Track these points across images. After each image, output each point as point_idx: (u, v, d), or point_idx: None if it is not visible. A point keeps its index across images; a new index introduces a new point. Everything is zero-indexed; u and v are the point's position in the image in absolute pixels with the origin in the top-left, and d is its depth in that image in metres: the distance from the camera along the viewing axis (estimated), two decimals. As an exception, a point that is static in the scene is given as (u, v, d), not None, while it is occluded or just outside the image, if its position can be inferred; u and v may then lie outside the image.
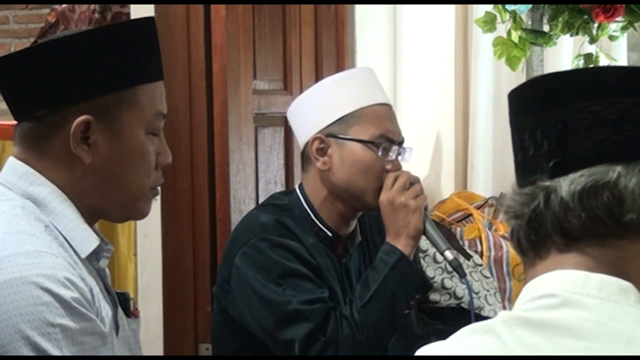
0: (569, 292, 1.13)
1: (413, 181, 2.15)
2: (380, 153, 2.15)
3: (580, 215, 1.13)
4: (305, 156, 2.22)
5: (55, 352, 1.30)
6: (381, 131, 2.16)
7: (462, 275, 2.10)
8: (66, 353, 1.30)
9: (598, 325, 1.10)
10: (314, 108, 2.21)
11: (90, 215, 1.50)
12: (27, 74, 1.46)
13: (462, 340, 1.18)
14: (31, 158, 1.47)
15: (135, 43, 1.49)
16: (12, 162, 1.49)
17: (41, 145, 1.46)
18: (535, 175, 1.17)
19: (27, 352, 1.29)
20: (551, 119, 1.16)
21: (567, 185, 1.14)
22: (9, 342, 1.29)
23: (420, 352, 1.21)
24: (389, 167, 2.16)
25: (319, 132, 2.18)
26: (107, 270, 1.57)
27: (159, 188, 1.57)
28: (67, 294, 1.33)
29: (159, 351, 3.31)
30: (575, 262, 1.15)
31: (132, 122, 1.48)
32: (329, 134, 2.17)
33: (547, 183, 1.15)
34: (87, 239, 1.46)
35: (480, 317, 3.31)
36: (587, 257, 1.15)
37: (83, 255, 1.44)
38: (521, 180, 1.20)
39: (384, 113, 2.20)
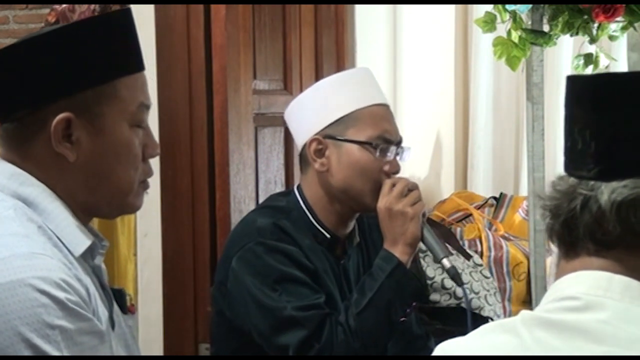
0: (591, 295, 1.12)
1: (411, 188, 2.12)
2: (377, 154, 2.14)
3: (616, 226, 1.11)
4: (303, 158, 2.22)
5: (56, 354, 1.29)
6: (378, 132, 2.15)
7: (459, 284, 2.09)
8: (66, 354, 1.30)
9: (618, 330, 1.10)
10: (312, 110, 2.20)
11: (83, 213, 1.49)
12: (2, 76, 1.43)
13: (481, 337, 1.18)
14: (17, 159, 1.45)
15: (112, 36, 1.46)
16: None
17: (25, 147, 1.44)
18: (579, 171, 1.14)
19: (28, 354, 1.28)
20: (602, 122, 1.12)
21: (607, 193, 1.11)
22: (9, 345, 1.28)
23: (440, 347, 1.20)
24: (386, 168, 2.15)
25: (317, 133, 2.17)
26: (103, 266, 1.56)
27: (149, 181, 1.55)
28: (63, 295, 1.32)
29: (159, 351, 3.31)
30: (602, 265, 1.14)
31: (114, 116, 1.46)
32: (327, 136, 2.16)
33: (586, 191, 1.13)
34: (79, 238, 1.44)
35: (480, 317, 3.32)
36: (615, 262, 1.14)
37: (76, 255, 1.43)
38: (566, 166, 1.17)
39: (381, 113, 2.19)
